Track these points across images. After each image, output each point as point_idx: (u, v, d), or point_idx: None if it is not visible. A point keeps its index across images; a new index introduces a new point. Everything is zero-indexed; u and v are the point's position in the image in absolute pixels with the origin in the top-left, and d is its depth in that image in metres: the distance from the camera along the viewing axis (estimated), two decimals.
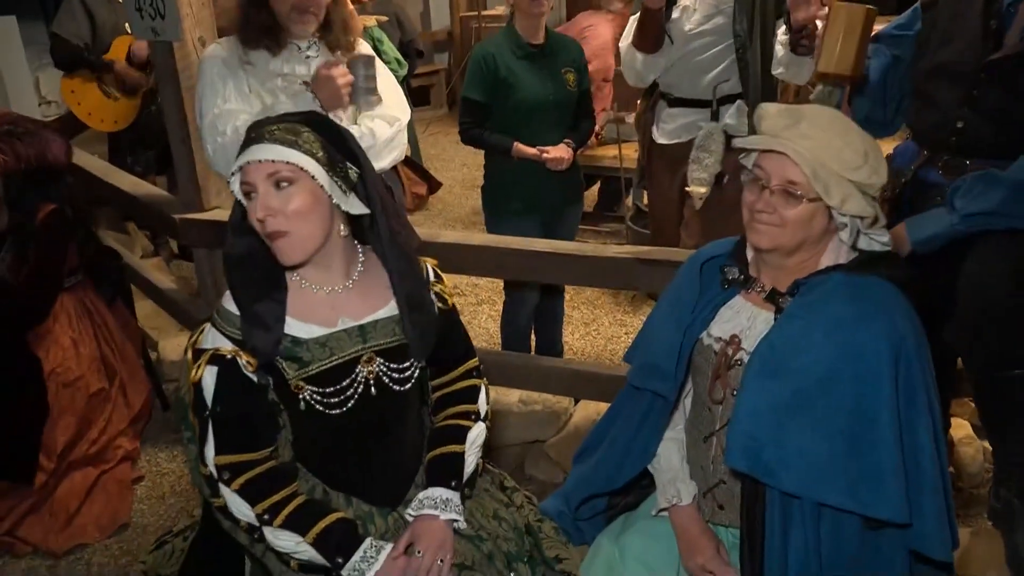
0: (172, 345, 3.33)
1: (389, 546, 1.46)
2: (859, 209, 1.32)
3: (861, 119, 2.00)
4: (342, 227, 1.45)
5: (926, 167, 1.98)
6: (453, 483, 1.55)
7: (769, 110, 1.38)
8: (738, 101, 2.67)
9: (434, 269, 1.62)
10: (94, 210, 3.17)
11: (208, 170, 2.51)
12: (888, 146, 1.97)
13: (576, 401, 2.81)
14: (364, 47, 2.32)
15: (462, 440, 1.59)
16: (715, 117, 2.65)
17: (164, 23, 2.50)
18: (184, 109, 2.63)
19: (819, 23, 2.34)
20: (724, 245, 1.54)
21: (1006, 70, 1.79)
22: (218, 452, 1.42)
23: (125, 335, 2.84)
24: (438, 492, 1.53)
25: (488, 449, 1.66)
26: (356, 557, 1.42)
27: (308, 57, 2.21)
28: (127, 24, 3.54)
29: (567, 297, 3.38)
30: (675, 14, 2.60)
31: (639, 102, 3.12)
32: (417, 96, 7.06)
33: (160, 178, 4.23)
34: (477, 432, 1.62)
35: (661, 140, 2.84)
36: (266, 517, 1.41)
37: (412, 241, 1.52)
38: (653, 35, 2.58)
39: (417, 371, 1.55)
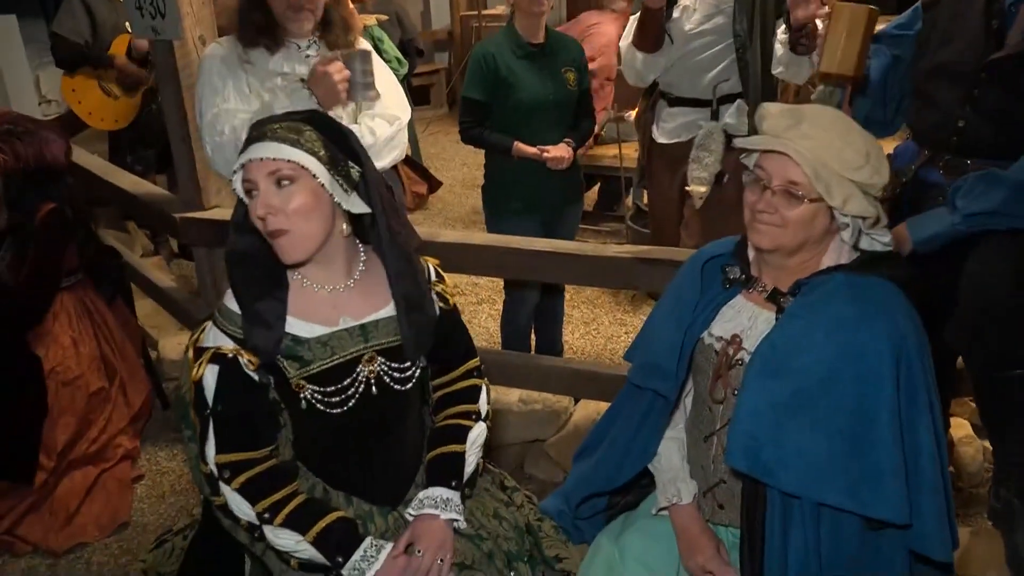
0: (172, 344, 3.33)
1: (389, 545, 1.46)
2: (861, 209, 1.32)
3: (861, 119, 1.99)
4: (344, 226, 1.45)
5: (927, 167, 1.98)
6: (453, 483, 1.55)
7: (771, 110, 1.38)
8: (738, 100, 2.67)
9: (436, 269, 1.62)
10: (94, 209, 3.16)
11: (208, 169, 2.52)
12: (888, 146, 1.97)
13: (576, 400, 2.81)
14: (364, 46, 2.32)
15: (463, 440, 1.59)
16: (715, 116, 2.65)
17: (164, 22, 2.50)
18: (184, 108, 2.63)
19: (819, 22, 2.34)
20: (726, 244, 1.54)
21: (1007, 70, 1.79)
22: (219, 451, 1.42)
23: (125, 334, 2.84)
24: (438, 492, 1.53)
25: (488, 449, 1.66)
26: (356, 556, 1.42)
27: (308, 56, 2.21)
28: (127, 23, 3.53)
29: (567, 296, 3.38)
30: (675, 14, 2.60)
31: (639, 101, 3.12)
32: (417, 95, 7.06)
33: (160, 177, 4.23)
34: (478, 432, 1.62)
35: (661, 139, 2.84)
36: (266, 516, 1.41)
37: (412, 241, 1.52)
38: (653, 35, 2.58)
39: (418, 371, 1.56)
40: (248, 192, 1.39)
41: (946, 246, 1.82)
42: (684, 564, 1.50)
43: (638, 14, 2.60)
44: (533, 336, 3.21)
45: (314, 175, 1.36)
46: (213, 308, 1.48)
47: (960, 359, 2.19)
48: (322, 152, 1.37)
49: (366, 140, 2.13)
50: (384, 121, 2.24)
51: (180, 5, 2.47)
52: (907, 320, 1.33)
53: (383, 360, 1.50)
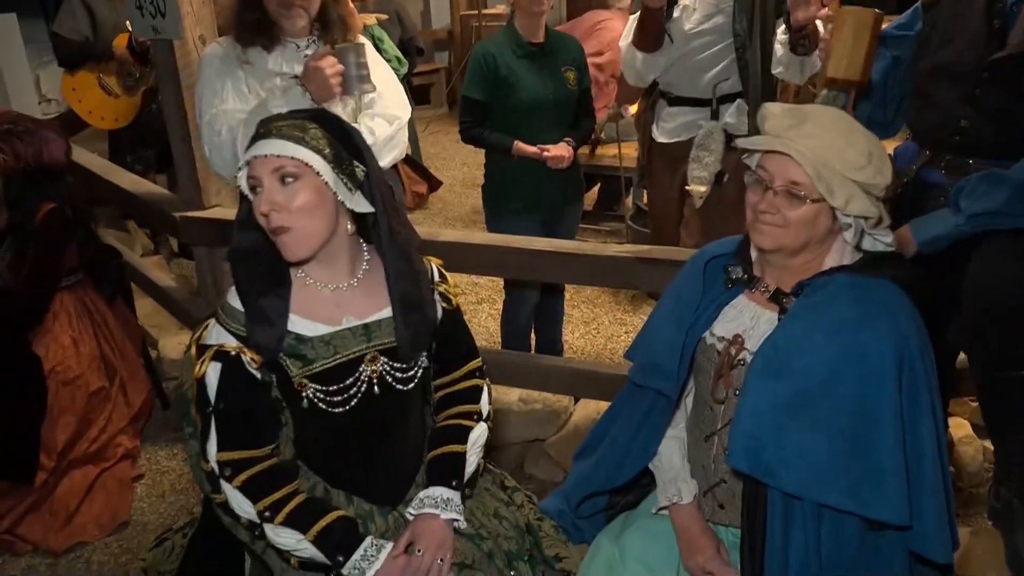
0: (172, 343, 3.33)
1: (389, 545, 1.46)
2: (863, 209, 1.31)
3: (863, 121, 2.00)
4: (348, 225, 1.45)
5: (928, 167, 1.98)
6: (454, 483, 1.55)
7: (773, 110, 1.38)
8: (738, 100, 2.67)
9: (439, 269, 1.62)
10: (94, 208, 3.16)
11: (208, 169, 2.51)
12: (888, 147, 1.97)
13: (576, 400, 2.81)
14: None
15: (464, 440, 1.59)
16: (715, 116, 2.65)
17: (164, 21, 2.50)
18: (184, 107, 2.63)
19: (819, 23, 2.34)
20: (728, 244, 1.54)
21: (1009, 69, 1.79)
22: (220, 448, 1.42)
23: (125, 333, 2.84)
24: (439, 491, 1.53)
25: (488, 448, 1.66)
26: (357, 555, 1.42)
27: (306, 56, 2.19)
28: (128, 22, 3.54)
29: (567, 296, 3.38)
30: (675, 13, 2.60)
31: (639, 101, 3.12)
32: (417, 95, 7.06)
33: (160, 176, 4.23)
34: (479, 432, 1.62)
35: (661, 139, 2.84)
36: (267, 514, 1.41)
37: (412, 241, 1.52)
38: (653, 34, 2.58)
39: (420, 371, 1.56)
40: (252, 189, 1.39)
41: (950, 247, 1.82)
42: (684, 564, 1.49)
43: (638, 14, 2.60)
44: (533, 336, 3.20)
45: (318, 173, 1.36)
46: (213, 307, 1.48)
47: (959, 359, 2.19)
48: (327, 150, 1.38)
49: (366, 140, 2.13)
50: (384, 121, 2.24)
51: (180, 5, 2.47)
52: (909, 321, 1.33)
53: (386, 360, 1.50)
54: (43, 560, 2.42)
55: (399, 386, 1.52)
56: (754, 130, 2.47)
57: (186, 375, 1.49)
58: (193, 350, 1.46)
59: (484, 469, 1.70)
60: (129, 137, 4.11)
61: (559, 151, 2.78)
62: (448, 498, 1.53)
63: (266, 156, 1.35)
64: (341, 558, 1.41)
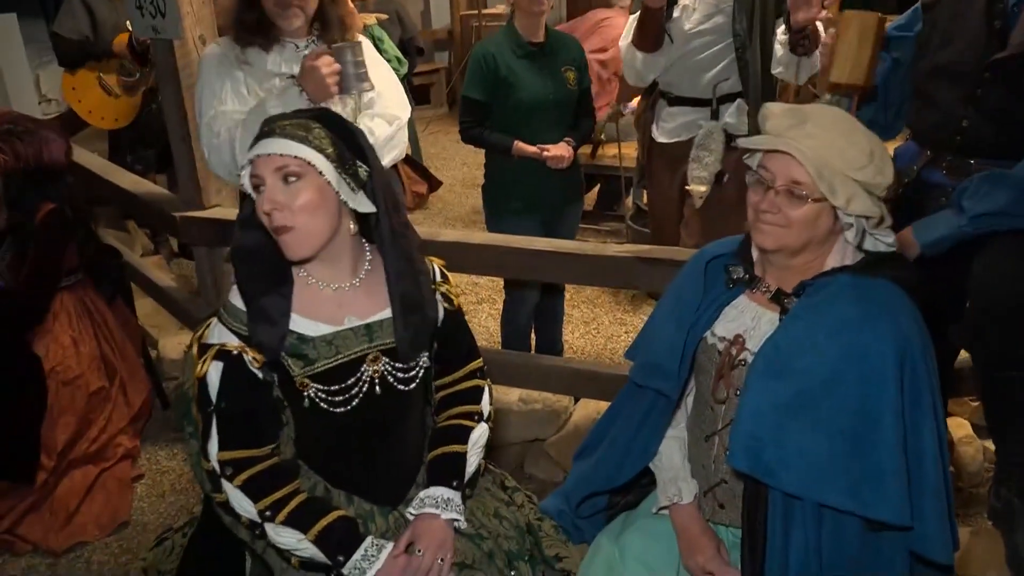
0: (172, 343, 3.33)
1: (390, 545, 1.46)
2: (865, 209, 1.31)
3: (865, 123, 2.00)
4: (351, 225, 1.45)
5: (929, 167, 1.98)
6: (454, 483, 1.55)
7: (774, 110, 1.38)
8: (738, 100, 2.67)
9: (441, 269, 1.62)
10: (94, 208, 3.16)
11: (208, 168, 2.51)
12: (889, 148, 1.97)
13: (576, 400, 2.81)
14: (365, 45, 2.31)
15: (464, 440, 1.59)
16: (715, 116, 2.65)
17: (164, 21, 2.50)
18: (184, 107, 2.63)
19: (819, 24, 2.34)
20: (729, 244, 1.54)
21: (1010, 70, 1.79)
22: (221, 448, 1.42)
23: (125, 333, 2.84)
24: (439, 491, 1.53)
25: (488, 449, 1.66)
26: (357, 555, 1.42)
27: (306, 56, 2.19)
28: (128, 22, 3.54)
29: (567, 296, 3.38)
30: (675, 13, 2.60)
31: (639, 101, 3.12)
32: (417, 95, 7.05)
33: (160, 176, 4.23)
34: (480, 433, 1.62)
35: (661, 139, 2.84)
36: (268, 514, 1.41)
37: (414, 241, 1.52)
38: (653, 34, 2.58)
39: (422, 371, 1.56)
40: (255, 188, 1.39)
41: (952, 248, 1.82)
42: (684, 564, 1.49)
43: (638, 14, 2.60)
44: (533, 336, 3.20)
45: (321, 172, 1.36)
46: (213, 307, 1.49)
47: (958, 360, 2.19)
48: (330, 150, 1.38)
49: None
50: (383, 121, 2.23)
51: (180, 5, 2.47)
52: (911, 322, 1.33)
53: (387, 360, 1.50)
54: (43, 560, 2.42)
55: (400, 386, 1.52)
56: (754, 130, 2.47)
57: (187, 374, 1.49)
58: (195, 349, 1.46)
59: (485, 469, 1.71)
60: (129, 137, 4.11)
61: (559, 151, 2.78)
62: (448, 498, 1.53)
63: (269, 155, 1.35)
64: (342, 558, 1.41)
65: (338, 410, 1.47)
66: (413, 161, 5.26)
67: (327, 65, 2.00)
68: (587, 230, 4.55)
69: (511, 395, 2.74)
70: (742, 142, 1.42)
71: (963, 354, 2.21)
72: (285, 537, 1.41)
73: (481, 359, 1.69)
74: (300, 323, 1.43)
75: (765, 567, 1.35)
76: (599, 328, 3.78)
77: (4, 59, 6.36)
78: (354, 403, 1.47)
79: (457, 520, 1.53)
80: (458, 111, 2.95)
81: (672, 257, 2.21)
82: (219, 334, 1.43)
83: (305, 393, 1.45)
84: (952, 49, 1.89)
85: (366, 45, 2.30)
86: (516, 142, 2.76)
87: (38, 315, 2.56)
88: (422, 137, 6.01)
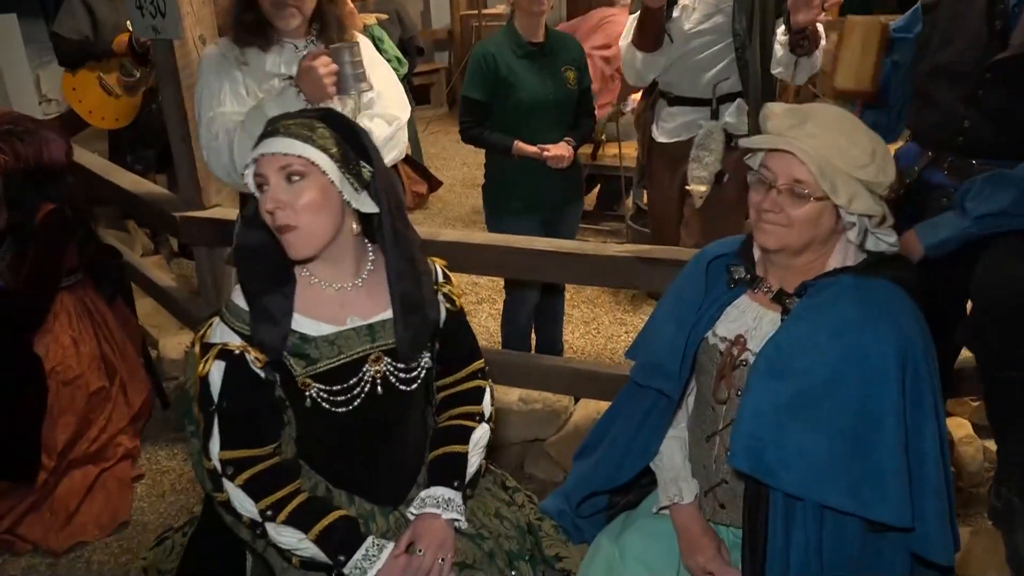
0: (172, 343, 3.33)
1: (391, 545, 1.46)
2: (867, 208, 1.31)
3: (868, 126, 2.00)
4: (353, 225, 1.45)
5: (931, 168, 1.98)
6: (455, 483, 1.55)
7: (775, 110, 1.38)
8: (738, 99, 2.67)
9: (443, 270, 1.62)
10: (94, 208, 3.16)
11: (208, 169, 2.52)
12: (890, 150, 1.97)
13: (576, 400, 2.81)
14: (365, 45, 2.30)
15: (466, 440, 1.59)
16: (715, 116, 2.65)
17: (165, 21, 2.50)
18: (184, 107, 2.63)
19: (819, 26, 2.34)
20: (730, 244, 1.53)
21: (1012, 70, 1.79)
22: (223, 447, 1.42)
23: (125, 333, 2.84)
24: (440, 491, 1.53)
25: (489, 449, 1.67)
26: (358, 555, 1.42)
27: (306, 55, 2.19)
28: (128, 22, 3.54)
29: (567, 296, 3.38)
30: (675, 13, 2.60)
31: (639, 101, 3.12)
32: (417, 95, 7.05)
33: (160, 176, 4.24)
34: (481, 433, 1.62)
35: (661, 139, 2.84)
36: (269, 513, 1.41)
37: (415, 242, 1.52)
38: (653, 34, 2.58)
39: (424, 371, 1.56)
40: (259, 187, 1.39)
41: (957, 250, 1.82)
42: (685, 563, 1.49)
43: (637, 14, 2.60)
44: (533, 335, 3.20)
45: (324, 172, 1.37)
46: (213, 307, 1.49)
47: (959, 360, 2.19)
48: (334, 149, 1.38)
49: None
50: (383, 121, 2.23)
51: (180, 4, 2.47)
52: (913, 323, 1.33)
53: (389, 360, 1.50)
54: (43, 560, 2.42)
55: (402, 386, 1.52)
56: (755, 130, 2.47)
57: (189, 373, 1.49)
58: (197, 348, 1.46)
59: (486, 470, 1.71)
60: (129, 137, 4.12)
61: (559, 151, 2.78)
62: (449, 498, 1.53)
63: (273, 154, 1.36)
64: (343, 557, 1.41)
65: (340, 410, 1.47)
66: (413, 161, 5.26)
67: (324, 65, 1.99)
68: (587, 230, 4.55)
69: (511, 395, 2.75)
70: (744, 142, 1.42)
71: (963, 354, 2.21)
72: (286, 536, 1.41)
73: (483, 360, 1.69)
74: (302, 323, 1.44)
75: (766, 567, 1.35)
76: (599, 328, 3.78)
77: (4, 59, 6.36)
78: (356, 403, 1.48)
79: (458, 520, 1.53)
80: (458, 111, 2.95)
81: (672, 257, 2.21)
82: (221, 333, 1.43)
83: (307, 393, 1.45)
84: (952, 49, 1.89)
85: (365, 45, 2.29)
86: (516, 142, 2.76)
87: (39, 315, 2.56)
88: (422, 137, 6.02)
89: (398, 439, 1.57)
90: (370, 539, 1.45)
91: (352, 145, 1.42)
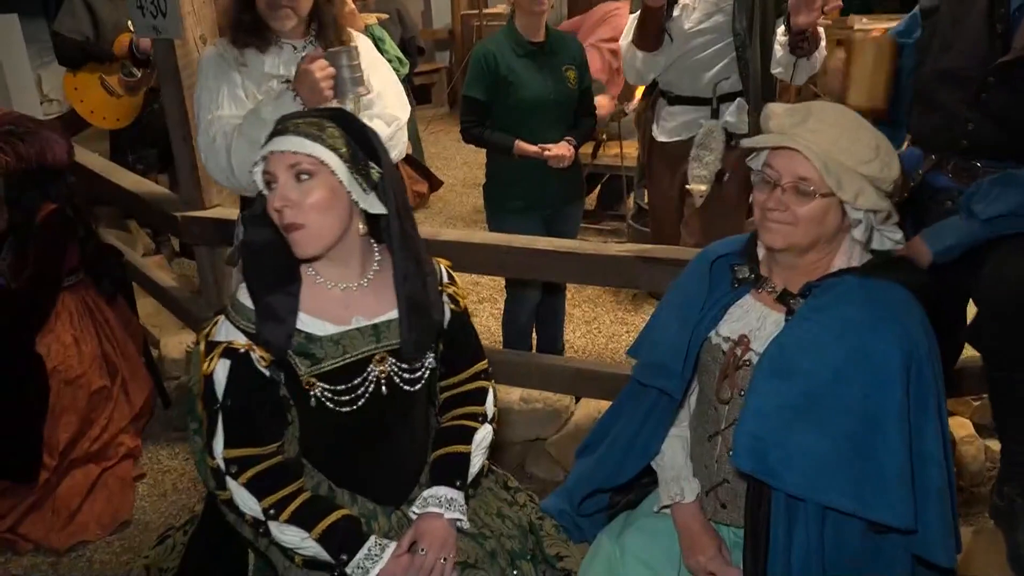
0: (174, 343, 3.33)
1: (393, 544, 1.46)
2: (873, 203, 1.31)
3: None
4: (361, 225, 1.46)
5: (934, 171, 1.98)
6: (458, 483, 1.55)
7: (776, 109, 1.38)
8: (738, 99, 2.67)
9: (447, 271, 1.62)
10: (95, 208, 3.17)
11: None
12: None
13: (577, 399, 2.81)
14: (364, 44, 2.30)
15: (468, 441, 1.59)
16: (715, 115, 2.65)
17: (165, 21, 2.50)
18: (186, 107, 2.63)
19: (820, 29, 2.34)
20: (734, 243, 1.53)
21: (1014, 73, 1.79)
22: (227, 445, 1.42)
23: (127, 333, 2.85)
24: (442, 491, 1.53)
25: (491, 449, 1.67)
26: (360, 554, 1.42)
27: (303, 58, 2.15)
28: (129, 21, 3.54)
29: (568, 295, 3.39)
30: (675, 12, 2.60)
31: (639, 101, 3.12)
32: (418, 94, 7.05)
33: (162, 176, 4.24)
34: (484, 434, 1.62)
35: (661, 138, 2.84)
36: (272, 512, 1.41)
37: (422, 243, 1.52)
38: (653, 33, 2.58)
39: (428, 372, 1.56)
40: (268, 184, 1.40)
41: (964, 254, 1.83)
42: (685, 563, 1.49)
43: (638, 13, 2.60)
44: (534, 335, 3.21)
45: (333, 171, 1.37)
46: (214, 307, 1.49)
47: (960, 359, 2.20)
48: (343, 149, 1.38)
49: None
50: (383, 122, 2.22)
51: (181, 4, 2.47)
52: (918, 325, 1.33)
53: (394, 361, 1.50)
54: (45, 559, 2.42)
55: (406, 387, 1.52)
56: (755, 129, 2.47)
57: (193, 370, 1.49)
58: (202, 346, 1.46)
59: (488, 470, 1.71)
60: (131, 137, 4.11)
61: (560, 150, 2.78)
62: (452, 498, 1.53)
63: (283, 152, 1.36)
64: (345, 557, 1.41)
65: (344, 410, 1.47)
66: (414, 160, 5.26)
67: (321, 69, 1.97)
68: (588, 229, 4.55)
69: (512, 394, 2.75)
70: (747, 142, 1.41)
71: (965, 353, 2.21)
72: (289, 535, 1.41)
73: (486, 360, 1.69)
74: (307, 322, 1.44)
75: (768, 567, 1.35)
76: (600, 327, 3.78)
77: (6, 59, 6.36)
78: (360, 403, 1.48)
79: (460, 520, 1.53)
80: (459, 111, 2.95)
81: (673, 256, 2.21)
82: (226, 332, 1.44)
83: (311, 392, 1.45)
84: (954, 54, 1.89)
85: (365, 45, 2.29)
86: (517, 141, 2.77)
87: (41, 315, 2.56)
88: (423, 136, 6.01)
89: (401, 439, 1.57)
90: (372, 538, 1.45)
91: (361, 145, 1.42)
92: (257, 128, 1.97)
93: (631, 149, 4.17)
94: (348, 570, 1.42)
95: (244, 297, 1.44)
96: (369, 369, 1.48)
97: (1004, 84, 1.81)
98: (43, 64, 7.15)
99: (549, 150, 2.77)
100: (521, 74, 2.74)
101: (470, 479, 1.58)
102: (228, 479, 1.43)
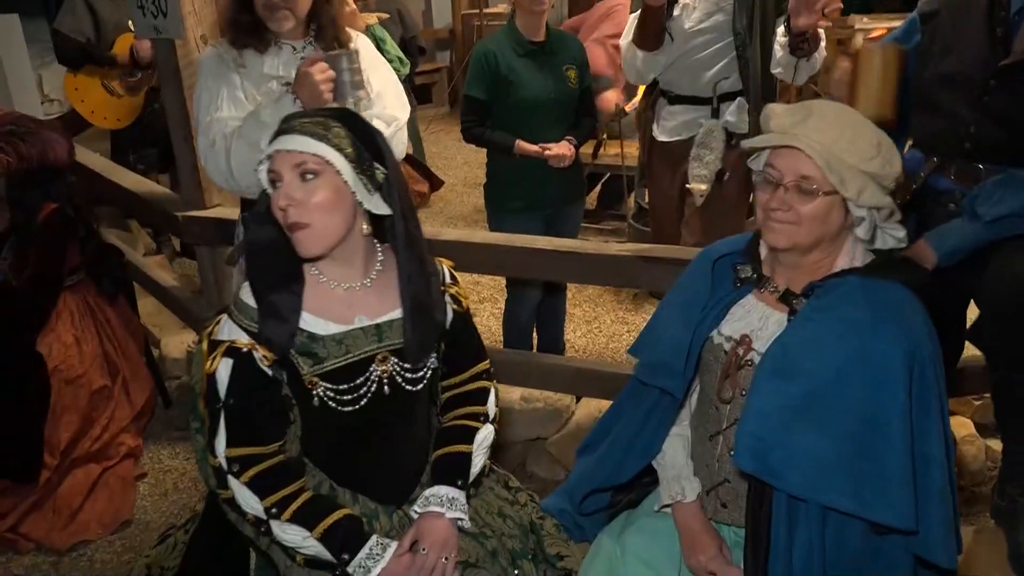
0: (174, 342, 3.34)
1: (395, 544, 1.46)
2: (876, 200, 1.31)
3: None
4: (364, 226, 1.46)
5: (936, 174, 1.98)
6: (459, 482, 1.55)
7: (776, 109, 1.38)
8: (738, 98, 2.67)
9: (450, 271, 1.62)
10: (96, 208, 3.17)
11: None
12: None
13: (578, 399, 2.81)
14: (364, 44, 2.30)
15: (470, 440, 1.59)
16: (715, 114, 2.65)
17: (166, 21, 2.50)
18: (186, 107, 2.63)
19: (820, 30, 2.34)
20: (736, 243, 1.53)
21: (1016, 76, 1.80)
22: (229, 444, 1.42)
23: (127, 332, 2.85)
24: (444, 490, 1.53)
25: (492, 449, 1.67)
26: (362, 554, 1.42)
27: (303, 58, 2.12)
28: (130, 21, 3.54)
29: (569, 295, 3.39)
30: (675, 12, 2.60)
31: (639, 101, 3.12)
32: (419, 94, 7.05)
33: (163, 176, 4.24)
34: (485, 434, 1.62)
35: (661, 138, 2.84)
36: (274, 511, 1.41)
37: (425, 244, 1.52)
38: (653, 33, 2.58)
39: (430, 372, 1.56)
40: (272, 183, 1.40)
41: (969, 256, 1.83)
42: (686, 562, 1.49)
43: (638, 12, 2.60)
44: (535, 334, 3.21)
45: (339, 171, 1.37)
46: (215, 307, 1.49)
47: (961, 359, 2.20)
48: (349, 150, 1.38)
49: None
50: (382, 122, 2.22)
51: (182, 4, 2.47)
52: (922, 326, 1.32)
53: (396, 361, 1.50)
54: (46, 559, 2.42)
55: (408, 387, 1.52)
56: (755, 129, 2.47)
57: (195, 369, 1.49)
58: (204, 345, 1.46)
59: (489, 469, 1.71)
60: (131, 137, 4.12)
61: (561, 150, 2.79)
62: (453, 497, 1.53)
63: (288, 151, 1.36)
64: (346, 556, 1.41)
65: (346, 409, 1.47)
66: (415, 160, 5.26)
67: (321, 72, 1.97)
68: (589, 229, 4.55)
69: (513, 394, 2.75)
70: (749, 142, 1.41)
71: (965, 352, 2.21)
72: (290, 534, 1.42)
73: (488, 360, 1.69)
74: (310, 321, 1.44)
75: (769, 567, 1.35)
76: (601, 327, 3.78)
77: (6, 59, 6.36)
78: (362, 402, 1.48)
79: (461, 519, 1.53)
80: (460, 110, 2.95)
81: (673, 256, 2.21)
82: (229, 330, 1.44)
83: (314, 392, 1.45)
84: (955, 58, 1.90)
85: (366, 45, 2.29)
86: (518, 141, 2.77)
87: (42, 315, 2.56)
88: (424, 136, 6.01)
89: (402, 438, 1.57)
90: (374, 538, 1.45)
91: (367, 146, 1.42)
92: (257, 131, 1.97)
93: (632, 148, 4.17)
94: (350, 569, 1.42)
95: (247, 296, 1.44)
96: (371, 369, 1.48)
97: (1005, 87, 1.81)
98: (44, 64, 7.15)
99: (550, 149, 2.77)
100: (522, 74, 2.74)
101: (471, 479, 1.58)
102: (230, 478, 1.43)
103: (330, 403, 1.46)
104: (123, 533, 2.53)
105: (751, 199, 2.75)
